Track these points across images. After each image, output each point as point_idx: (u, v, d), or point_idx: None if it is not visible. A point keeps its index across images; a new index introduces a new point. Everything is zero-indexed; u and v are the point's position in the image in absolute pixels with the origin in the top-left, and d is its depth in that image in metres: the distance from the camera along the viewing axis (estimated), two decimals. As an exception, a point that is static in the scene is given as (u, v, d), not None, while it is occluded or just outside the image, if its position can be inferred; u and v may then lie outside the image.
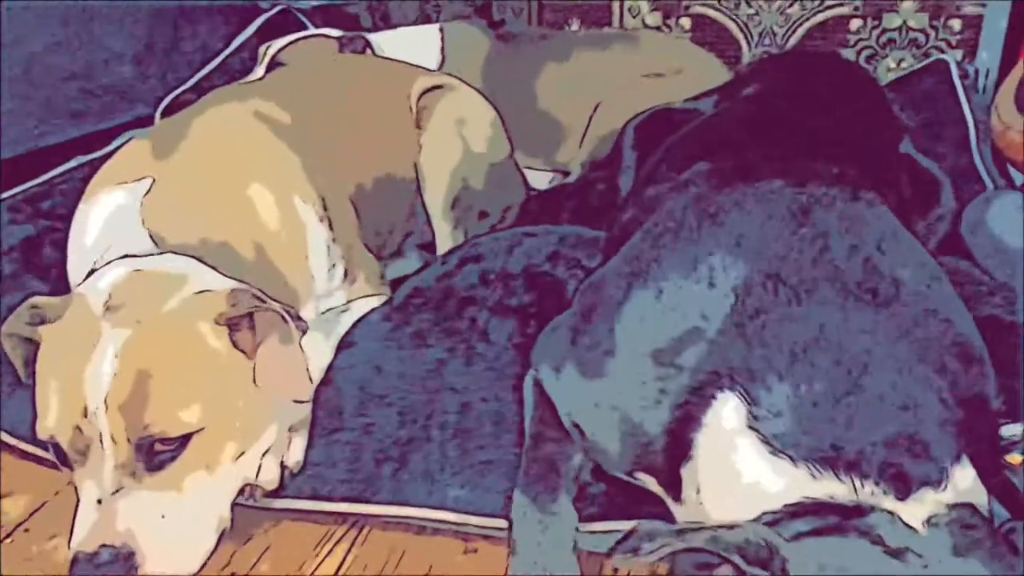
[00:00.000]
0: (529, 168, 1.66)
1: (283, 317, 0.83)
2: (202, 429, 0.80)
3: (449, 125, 1.32)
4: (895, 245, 0.70)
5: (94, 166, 1.40)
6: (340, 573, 0.87)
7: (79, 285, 0.88)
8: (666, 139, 1.29)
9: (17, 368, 0.87)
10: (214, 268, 0.90)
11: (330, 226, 1.05)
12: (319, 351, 0.99)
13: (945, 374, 0.64)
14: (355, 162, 1.22)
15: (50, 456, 0.83)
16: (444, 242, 1.33)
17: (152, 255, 0.89)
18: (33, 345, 0.85)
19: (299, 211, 1.02)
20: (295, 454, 0.93)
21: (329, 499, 0.90)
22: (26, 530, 0.95)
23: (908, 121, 1.27)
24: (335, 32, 1.63)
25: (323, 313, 1.06)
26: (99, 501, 0.77)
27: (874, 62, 1.66)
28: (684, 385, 0.68)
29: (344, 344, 1.01)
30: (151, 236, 0.92)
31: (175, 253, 0.90)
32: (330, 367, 0.99)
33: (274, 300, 0.89)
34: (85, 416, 0.77)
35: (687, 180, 0.83)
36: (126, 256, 0.89)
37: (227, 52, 1.74)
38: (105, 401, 0.77)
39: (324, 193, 1.07)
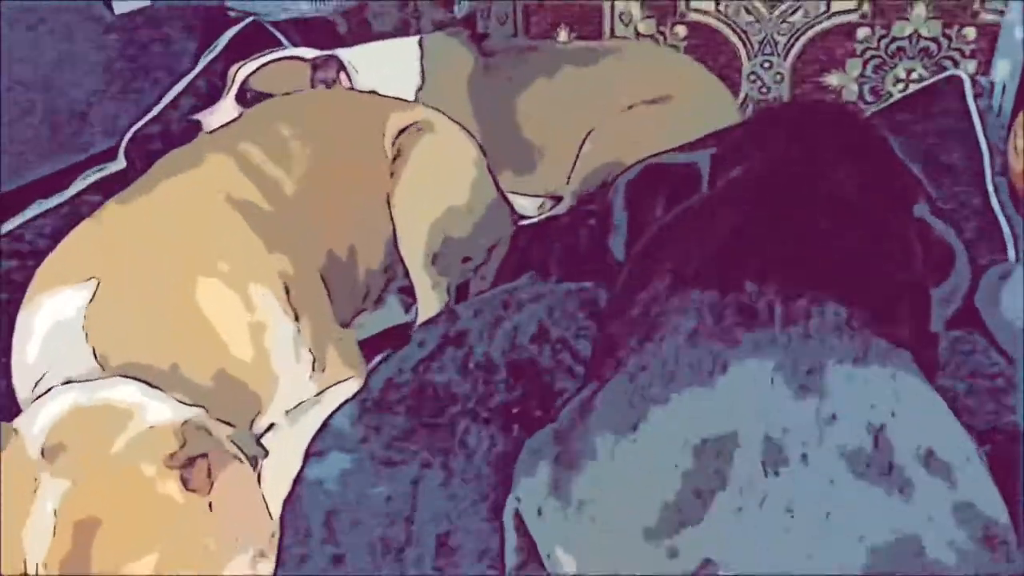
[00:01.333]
0: (516, 193, 1.57)
1: (239, 458, 0.77)
2: None
3: (426, 175, 1.23)
4: (915, 418, 0.63)
5: (55, 220, 1.36)
6: None
7: (19, 418, 0.82)
8: (659, 195, 1.20)
9: None
10: (164, 388, 0.84)
11: (295, 316, 0.98)
12: (284, 466, 0.92)
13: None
14: (327, 225, 1.13)
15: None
16: (425, 299, 1.25)
17: (96, 379, 0.83)
18: None
19: (259, 306, 0.94)
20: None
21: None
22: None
23: (917, 165, 1.17)
24: (307, 53, 1.53)
25: (290, 411, 0.99)
26: None
27: (882, 72, 1.56)
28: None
29: (313, 450, 0.94)
30: (95, 355, 0.86)
31: (122, 376, 0.84)
32: (298, 477, 0.92)
33: (229, 424, 0.83)
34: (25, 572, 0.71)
35: (673, 316, 0.75)
36: (68, 382, 0.83)
37: (193, 74, 1.63)
38: (45, 563, 0.71)
39: (289, 277, 0.99)
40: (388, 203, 1.23)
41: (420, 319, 1.25)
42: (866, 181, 0.98)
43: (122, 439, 0.76)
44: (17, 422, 0.80)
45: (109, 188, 1.43)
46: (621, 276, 1.01)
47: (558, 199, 1.56)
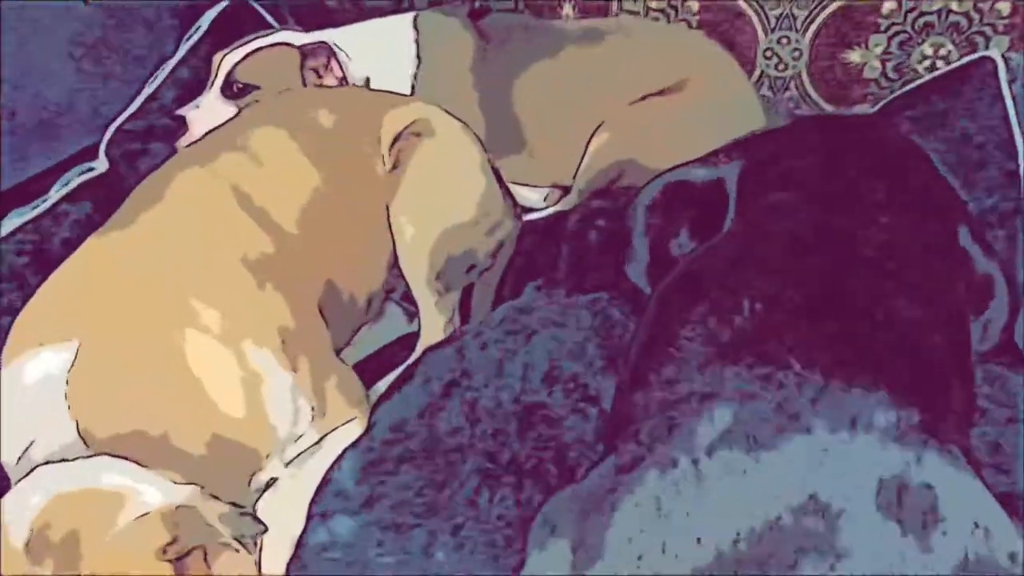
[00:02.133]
0: (520, 183, 1.50)
1: (235, 548, 0.73)
2: None
3: (425, 189, 1.15)
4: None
5: (35, 234, 1.28)
6: None
7: (4, 500, 0.77)
8: (682, 216, 1.11)
9: None
10: (154, 463, 0.79)
11: (292, 366, 0.92)
12: (286, 528, 0.87)
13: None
14: (327, 254, 1.07)
15: None
16: (428, 317, 1.19)
17: (80, 459, 0.78)
18: None
19: (253, 361, 0.88)
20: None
21: None
22: None
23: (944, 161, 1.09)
24: (295, 38, 1.43)
25: (288, 464, 0.94)
26: None
27: (907, 48, 1.46)
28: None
29: (316, 511, 0.89)
30: (78, 428, 0.81)
31: (108, 453, 0.79)
32: (301, 541, 0.88)
33: (220, 501, 0.79)
34: None
35: (705, 402, 0.69)
36: (49, 462, 0.78)
37: (174, 62, 1.53)
38: None
39: (286, 329, 0.93)
40: (384, 214, 1.16)
41: (423, 337, 1.20)
42: (912, 220, 0.90)
43: (110, 532, 0.72)
44: (2, 506, 0.75)
45: (92, 194, 1.37)
46: (644, 322, 0.94)
47: (564, 188, 1.49)
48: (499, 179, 1.31)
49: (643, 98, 1.42)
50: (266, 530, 0.79)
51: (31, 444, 0.81)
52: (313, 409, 0.94)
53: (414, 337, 1.24)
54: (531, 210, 1.46)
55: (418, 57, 1.46)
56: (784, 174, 0.99)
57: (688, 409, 0.69)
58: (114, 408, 0.82)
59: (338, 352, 1.13)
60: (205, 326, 0.87)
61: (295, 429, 0.93)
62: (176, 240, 0.93)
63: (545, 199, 1.51)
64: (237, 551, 0.74)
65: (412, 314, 1.27)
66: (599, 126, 1.42)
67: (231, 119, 1.20)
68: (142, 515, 0.73)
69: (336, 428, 0.98)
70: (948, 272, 0.88)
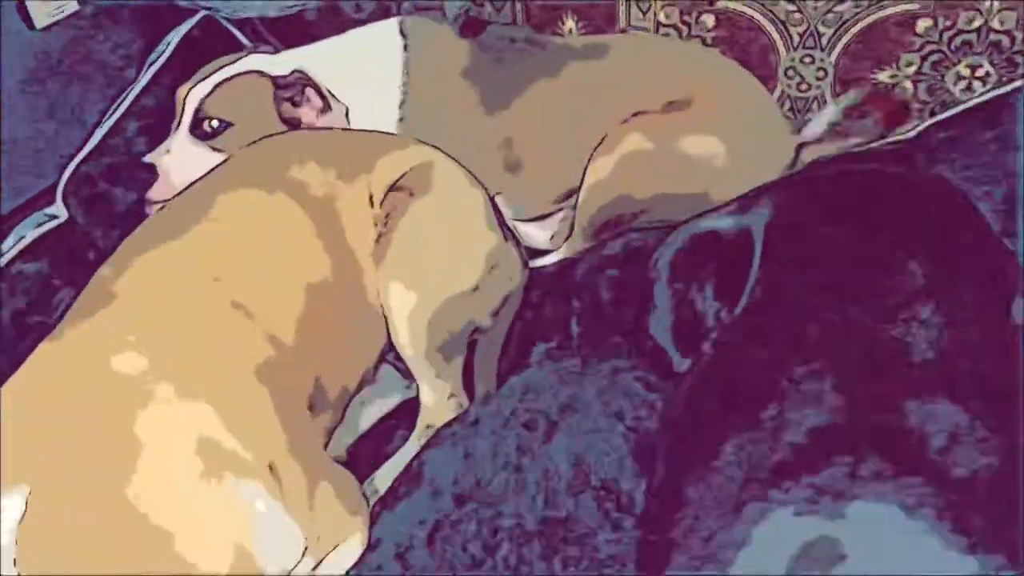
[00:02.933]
0: (521, 221, 1.38)
1: None
2: None
3: (419, 255, 1.02)
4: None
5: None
6: None
7: None
8: (707, 269, 1.02)
9: None
10: None
11: (282, 489, 0.80)
12: None
13: None
14: (316, 350, 0.94)
15: None
16: (429, 392, 1.07)
17: None
18: None
19: (236, 495, 0.76)
20: None
21: None
22: None
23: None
24: (267, 63, 1.28)
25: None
26: None
27: (942, 69, 1.34)
28: None
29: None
30: None
31: None
32: None
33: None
34: None
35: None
36: None
37: (138, 88, 1.38)
38: None
39: (273, 443, 0.81)
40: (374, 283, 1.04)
41: (425, 415, 1.08)
42: (957, 297, 0.82)
43: None
44: None
45: (50, 249, 1.23)
46: (673, 418, 0.84)
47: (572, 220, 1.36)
48: (503, 224, 1.19)
49: (640, 114, 1.29)
50: None
51: None
52: (306, 537, 0.82)
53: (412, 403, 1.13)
54: (537, 252, 1.34)
55: (406, 67, 1.32)
56: (814, 240, 0.91)
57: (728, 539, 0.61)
58: (71, 565, 0.70)
59: (331, 432, 1.03)
60: (180, 468, 0.74)
61: (288, 563, 0.81)
62: (138, 345, 0.80)
63: (552, 238, 1.39)
64: None
65: (409, 375, 1.16)
66: (598, 145, 1.29)
67: (204, 179, 1.06)
68: None
69: (335, 547, 0.86)
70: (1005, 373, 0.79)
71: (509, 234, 1.20)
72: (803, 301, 0.86)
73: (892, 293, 0.84)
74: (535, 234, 1.39)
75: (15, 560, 0.69)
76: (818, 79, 1.40)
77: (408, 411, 1.14)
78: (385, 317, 1.04)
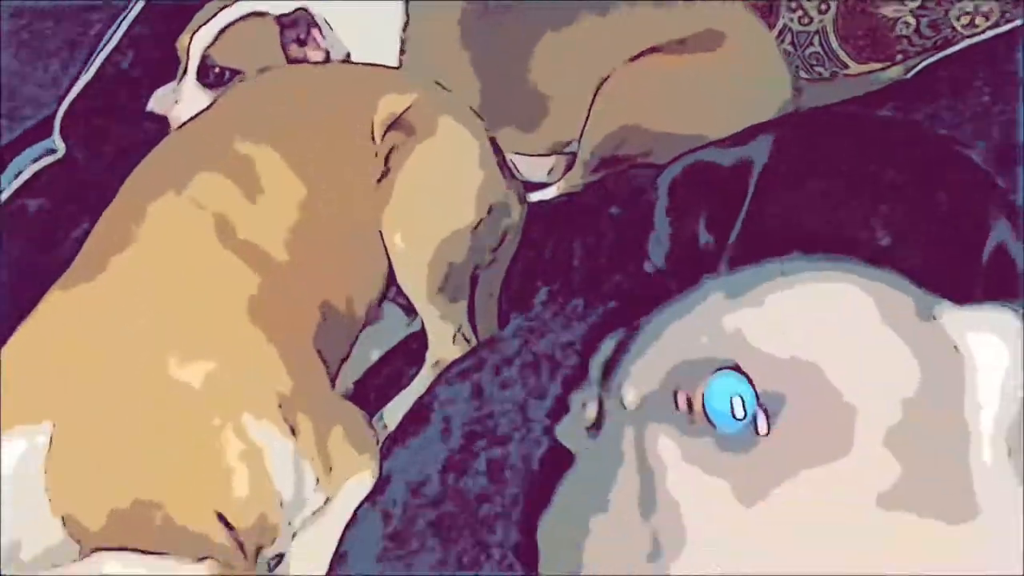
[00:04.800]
0: (522, 154, 1.38)
1: None
2: None
3: (423, 197, 1.03)
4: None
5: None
6: None
7: None
8: (705, 200, 1.04)
9: None
10: (156, 548, 0.71)
11: (292, 429, 0.83)
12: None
13: None
14: (319, 274, 0.96)
15: None
16: (435, 331, 1.09)
17: (74, 562, 0.70)
18: None
19: (253, 434, 0.79)
20: None
21: None
22: None
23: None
24: (269, 5, 1.26)
25: (298, 533, 0.86)
26: None
27: (945, 3, 1.33)
28: None
29: None
30: (64, 526, 0.72)
31: (104, 548, 0.70)
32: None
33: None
34: None
35: None
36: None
37: (131, 17, 1.35)
38: None
39: (282, 383, 0.83)
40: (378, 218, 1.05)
41: (432, 353, 1.10)
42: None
43: None
44: None
45: (49, 186, 1.23)
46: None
47: (570, 155, 1.37)
48: (502, 161, 1.19)
49: (652, 50, 1.29)
50: None
51: (18, 542, 0.72)
52: (318, 473, 0.85)
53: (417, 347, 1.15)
54: (536, 186, 1.35)
55: (406, 9, 1.31)
56: (802, 181, 0.93)
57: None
58: (102, 494, 0.74)
59: (338, 368, 1.05)
60: (196, 399, 0.77)
61: (301, 496, 0.84)
62: (155, 291, 0.81)
63: (550, 172, 1.40)
64: None
65: (412, 311, 1.18)
66: (603, 81, 1.29)
67: (204, 114, 1.05)
68: None
69: (346, 482, 0.89)
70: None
71: (508, 172, 1.20)
72: (785, 241, 0.87)
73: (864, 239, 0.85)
74: (533, 168, 1.39)
75: (48, 499, 0.72)
76: (820, 12, 1.38)
77: (409, 352, 1.17)
78: (388, 254, 1.05)
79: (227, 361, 0.80)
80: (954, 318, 0.39)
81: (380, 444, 0.96)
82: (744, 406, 0.39)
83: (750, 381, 0.40)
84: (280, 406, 0.82)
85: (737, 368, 0.40)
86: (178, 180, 0.91)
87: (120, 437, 0.75)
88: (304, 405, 0.85)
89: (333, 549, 0.85)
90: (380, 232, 1.04)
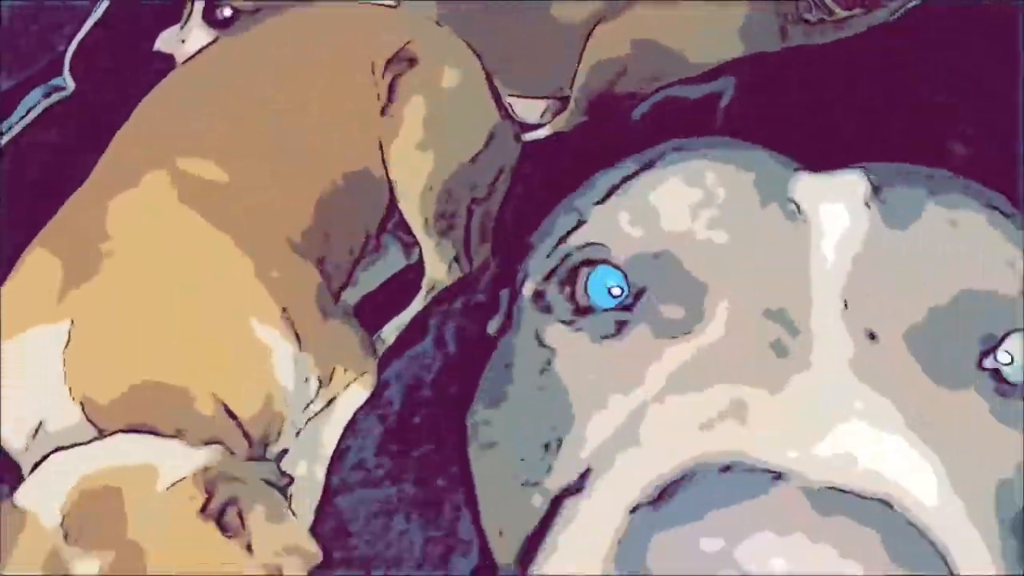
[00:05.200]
0: (515, 96, 1.42)
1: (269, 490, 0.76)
2: None
3: (426, 129, 1.08)
4: None
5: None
6: None
7: (20, 494, 0.74)
8: (677, 131, 1.08)
9: None
10: (170, 431, 0.77)
11: (295, 334, 0.88)
12: (303, 500, 0.86)
13: None
14: (324, 197, 1.01)
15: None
16: (432, 258, 1.15)
17: (93, 441, 0.75)
18: None
19: (259, 335, 0.85)
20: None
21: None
22: None
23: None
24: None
25: (301, 431, 0.92)
26: None
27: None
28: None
29: (336, 482, 0.87)
30: (83, 406, 0.77)
31: (121, 431, 0.76)
32: (323, 514, 0.86)
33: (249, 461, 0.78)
34: None
35: None
36: (59, 449, 0.75)
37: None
38: None
39: (287, 295, 0.89)
40: (377, 150, 1.10)
41: (428, 279, 1.15)
42: None
43: (144, 504, 0.71)
44: (20, 500, 0.73)
45: (61, 122, 1.28)
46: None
47: (563, 100, 1.41)
48: (499, 98, 1.24)
49: None
50: (292, 481, 0.79)
51: (40, 426, 0.79)
52: (320, 375, 0.91)
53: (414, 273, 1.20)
54: (529, 127, 1.39)
55: None
56: (767, 116, 0.96)
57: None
58: (116, 381, 0.79)
59: (338, 293, 1.10)
60: (206, 299, 0.83)
61: (304, 397, 0.90)
62: (171, 205, 0.87)
63: (542, 115, 1.44)
64: (273, 492, 0.76)
65: (410, 246, 1.23)
66: (597, 23, 1.33)
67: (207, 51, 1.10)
68: (174, 483, 0.72)
69: (346, 387, 0.95)
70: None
71: (504, 110, 1.25)
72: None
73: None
74: (527, 110, 1.43)
75: (68, 387, 0.77)
76: (809, -40, 1.42)
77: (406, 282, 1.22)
78: (389, 182, 1.10)
79: (237, 268, 0.86)
80: (806, 186, 0.41)
81: (378, 358, 1.02)
82: (618, 292, 0.43)
83: (621, 270, 0.43)
84: (284, 311, 0.87)
85: (606, 261, 0.43)
86: (183, 114, 0.96)
87: (133, 332, 0.80)
88: (307, 315, 0.91)
89: (334, 446, 0.91)
90: (383, 161, 1.09)
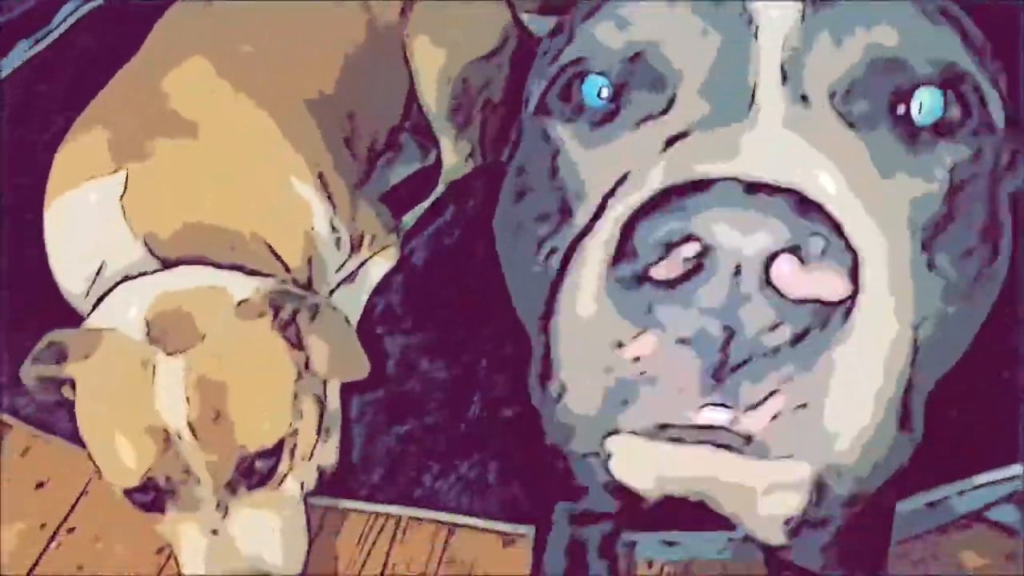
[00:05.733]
0: (530, 13, 1.48)
1: (323, 304, 0.81)
2: (293, 432, 0.79)
3: (443, 19, 1.14)
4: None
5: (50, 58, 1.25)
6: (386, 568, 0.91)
7: (92, 319, 0.82)
8: None
9: (36, 395, 0.82)
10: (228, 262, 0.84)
11: (331, 200, 0.96)
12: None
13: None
14: (349, 86, 1.08)
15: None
16: (450, 150, 1.22)
17: (160, 271, 0.83)
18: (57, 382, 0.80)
19: (300, 192, 0.92)
20: (330, 454, 0.92)
21: (366, 499, 0.92)
22: (70, 530, 0.96)
23: None
24: None
25: (332, 293, 1.00)
26: (214, 532, 0.76)
27: None
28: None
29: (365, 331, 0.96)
30: (146, 243, 0.85)
31: (185, 263, 0.83)
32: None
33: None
34: (168, 449, 0.74)
35: None
36: (127, 279, 0.83)
37: None
38: (190, 428, 0.74)
39: (320, 160, 0.96)
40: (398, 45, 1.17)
41: (446, 172, 1.23)
42: None
43: (220, 315, 0.78)
44: (105, 322, 0.80)
45: (100, 24, 1.34)
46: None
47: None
48: (513, 9, 1.30)
49: None
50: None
51: (102, 267, 0.85)
52: (351, 238, 0.99)
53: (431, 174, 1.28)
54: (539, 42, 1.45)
55: None
56: None
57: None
58: (176, 218, 0.86)
59: (363, 181, 1.17)
60: (254, 165, 0.90)
61: (337, 258, 0.98)
62: (209, 101, 0.93)
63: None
64: (329, 308, 0.81)
65: (426, 148, 1.30)
66: None
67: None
68: (243, 300, 0.79)
69: (373, 255, 1.03)
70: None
71: (518, 20, 1.31)
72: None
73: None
74: (542, 28, 1.50)
75: (129, 227, 0.85)
76: None
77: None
78: (410, 75, 1.17)
79: (278, 135, 0.93)
80: None
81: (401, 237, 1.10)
82: (605, 93, 0.51)
83: (605, 74, 0.50)
84: (320, 176, 0.95)
85: (591, 72, 0.51)
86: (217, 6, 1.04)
87: (185, 181, 0.88)
88: (339, 184, 0.99)
89: (363, 306, 0.99)
90: (404, 55, 1.16)
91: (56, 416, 1.00)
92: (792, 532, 0.64)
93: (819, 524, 0.64)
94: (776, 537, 0.66)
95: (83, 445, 0.95)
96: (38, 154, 0.99)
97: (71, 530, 0.96)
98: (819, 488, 0.59)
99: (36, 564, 0.93)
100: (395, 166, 1.30)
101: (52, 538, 0.95)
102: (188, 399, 0.74)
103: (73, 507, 0.97)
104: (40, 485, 0.99)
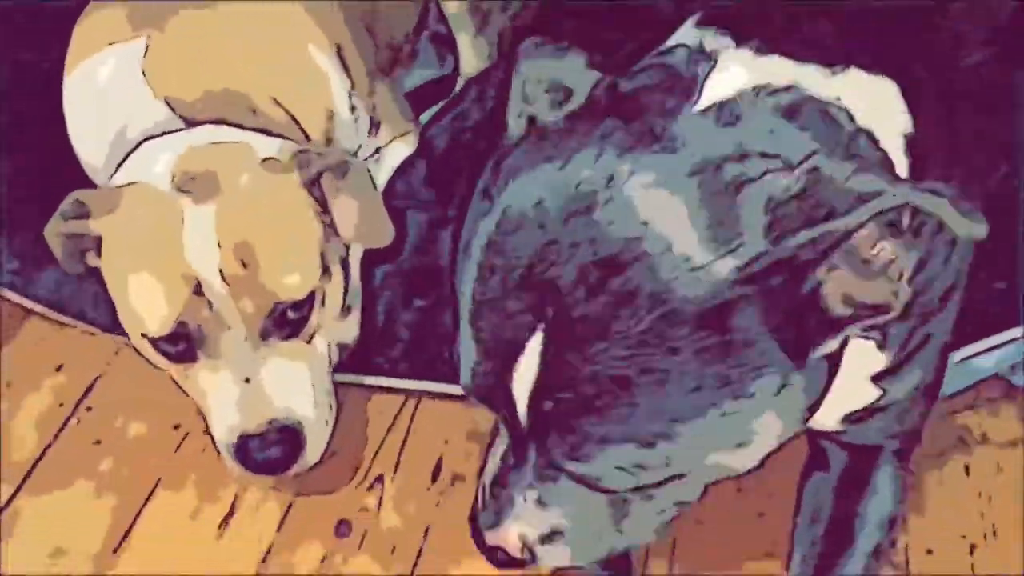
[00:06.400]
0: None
1: (351, 164, 0.80)
2: (322, 288, 0.79)
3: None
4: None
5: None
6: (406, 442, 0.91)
7: (117, 177, 0.82)
8: None
9: (62, 262, 0.82)
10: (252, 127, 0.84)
11: (349, 75, 0.95)
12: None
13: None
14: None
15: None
16: (467, 55, 1.21)
17: (184, 130, 0.82)
18: (79, 240, 0.79)
19: (318, 61, 0.91)
20: (351, 330, 0.91)
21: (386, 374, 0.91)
22: (88, 408, 0.96)
23: None
24: None
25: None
26: (247, 380, 0.75)
27: None
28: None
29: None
30: (168, 103, 0.84)
31: (210, 123, 0.83)
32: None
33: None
34: (199, 296, 0.73)
35: None
36: (150, 138, 0.82)
37: None
38: (222, 275, 0.73)
39: (341, 37, 0.95)
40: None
41: (465, 71, 1.22)
42: None
43: (247, 168, 0.77)
44: (131, 176, 0.79)
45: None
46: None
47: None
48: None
49: None
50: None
51: (124, 128, 0.84)
52: (371, 120, 0.98)
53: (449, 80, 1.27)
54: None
55: None
56: None
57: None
58: (199, 80, 0.85)
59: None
60: (272, 32, 0.90)
61: (355, 138, 0.97)
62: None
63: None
64: (355, 168, 0.81)
65: (444, 56, 1.29)
66: None
67: None
68: (268, 157, 0.79)
69: (392, 140, 1.02)
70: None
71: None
72: None
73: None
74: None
75: (151, 89, 0.85)
76: None
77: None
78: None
79: (294, 4, 0.92)
80: None
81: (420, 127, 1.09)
82: None
83: None
84: (339, 48, 0.94)
85: None
86: None
87: (207, 47, 0.87)
88: (358, 62, 0.98)
89: (383, 187, 0.99)
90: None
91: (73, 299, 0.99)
92: (854, 421, 0.65)
93: (880, 410, 0.65)
94: (832, 425, 0.66)
95: (100, 327, 0.95)
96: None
97: (89, 408, 0.95)
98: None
99: (55, 439, 0.93)
100: (413, 70, 1.29)
101: (71, 415, 0.95)
102: (220, 244, 0.73)
103: (91, 387, 0.97)
104: (59, 368, 0.99)
